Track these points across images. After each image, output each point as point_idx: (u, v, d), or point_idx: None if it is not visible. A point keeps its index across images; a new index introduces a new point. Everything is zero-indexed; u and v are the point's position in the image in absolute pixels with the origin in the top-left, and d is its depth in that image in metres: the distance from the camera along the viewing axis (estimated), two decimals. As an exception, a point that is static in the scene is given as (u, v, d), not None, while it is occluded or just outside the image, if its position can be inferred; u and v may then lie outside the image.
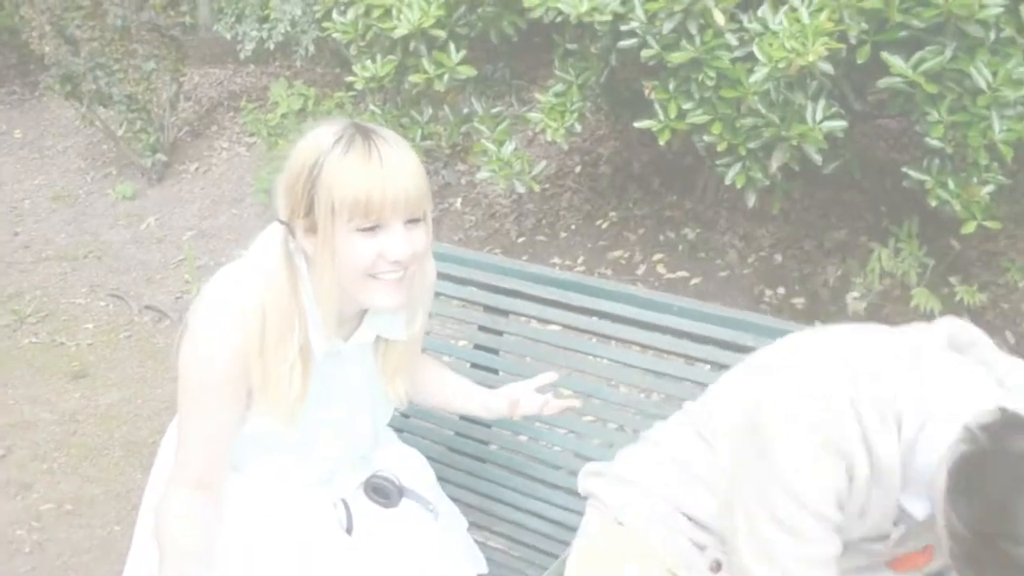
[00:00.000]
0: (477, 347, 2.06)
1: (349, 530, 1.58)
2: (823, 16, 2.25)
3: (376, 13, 3.04)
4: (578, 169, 4.06)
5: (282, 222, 1.41)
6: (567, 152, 3.99)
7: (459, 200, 4.22)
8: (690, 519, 1.40)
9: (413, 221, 1.38)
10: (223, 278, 1.45)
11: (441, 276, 2.09)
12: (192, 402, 1.45)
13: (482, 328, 2.06)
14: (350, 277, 1.38)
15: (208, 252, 4.45)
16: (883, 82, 2.33)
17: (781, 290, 3.24)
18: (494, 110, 3.25)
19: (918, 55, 2.29)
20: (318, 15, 3.85)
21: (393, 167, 1.34)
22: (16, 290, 4.27)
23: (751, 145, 2.53)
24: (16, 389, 3.49)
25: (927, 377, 1.18)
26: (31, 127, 6.03)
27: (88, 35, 4.86)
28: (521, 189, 3.06)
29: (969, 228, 2.41)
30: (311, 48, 4.41)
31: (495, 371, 2.03)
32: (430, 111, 3.35)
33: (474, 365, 2.05)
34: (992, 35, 2.26)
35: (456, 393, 1.80)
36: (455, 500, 1.81)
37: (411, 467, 1.76)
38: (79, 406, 3.37)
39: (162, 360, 3.63)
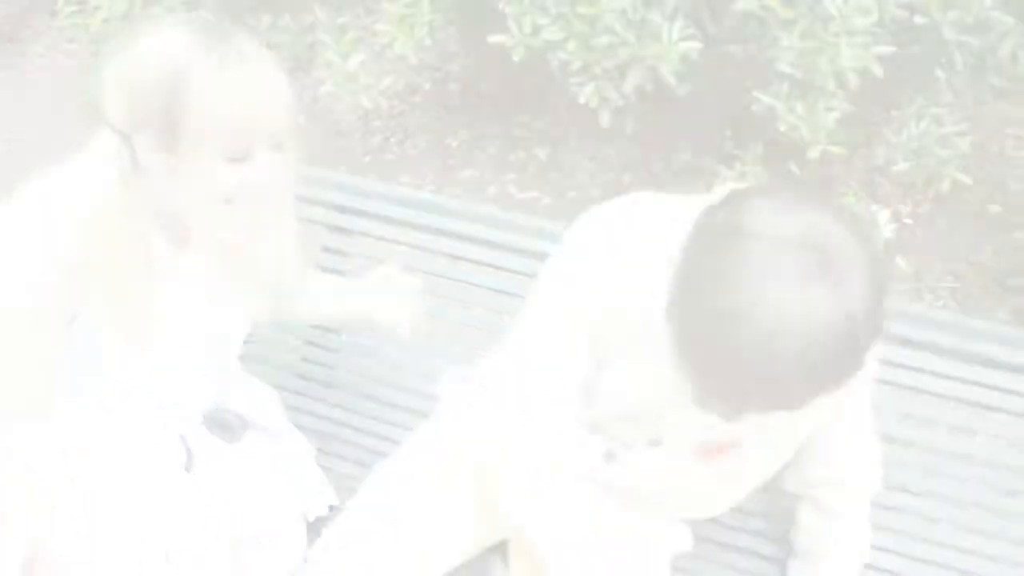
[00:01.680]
0: (322, 269, 1.98)
1: (188, 468, 1.48)
2: (680, -68, 2.21)
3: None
4: (427, 86, 3.93)
5: (118, 131, 1.25)
6: (416, 68, 3.86)
7: (302, 118, 4.02)
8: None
9: (276, 146, 1.26)
10: (44, 189, 1.29)
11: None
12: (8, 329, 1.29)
13: (326, 249, 1.97)
14: (203, 203, 1.26)
15: (21, 168, 4.08)
16: (740, 5, 2.34)
17: (630, 211, 3.26)
18: (339, 20, 3.08)
19: (773, -22, 2.30)
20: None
21: (271, 92, 1.22)
22: None
23: (606, 64, 2.50)
24: None
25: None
26: None
27: None
28: (367, 104, 2.93)
29: (814, 153, 2.47)
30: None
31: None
32: (269, 19, 3.15)
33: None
34: (842, -39, 2.29)
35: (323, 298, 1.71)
36: (302, 428, 1.74)
37: (256, 398, 1.66)
38: None
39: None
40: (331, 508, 1.66)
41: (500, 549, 1.56)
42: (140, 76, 1.21)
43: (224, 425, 1.53)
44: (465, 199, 3.25)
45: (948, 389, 1.66)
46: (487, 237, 1.85)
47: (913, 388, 1.67)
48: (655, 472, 1.39)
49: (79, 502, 1.40)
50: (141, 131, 1.23)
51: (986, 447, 1.70)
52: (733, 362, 1.00)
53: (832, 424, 1.37)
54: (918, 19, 2.39)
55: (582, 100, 2.63)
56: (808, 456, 1.41)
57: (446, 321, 1.89)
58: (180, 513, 1.44)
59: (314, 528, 1.62)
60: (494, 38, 2.65)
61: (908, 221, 3.14)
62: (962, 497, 1.68)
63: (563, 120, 3.53)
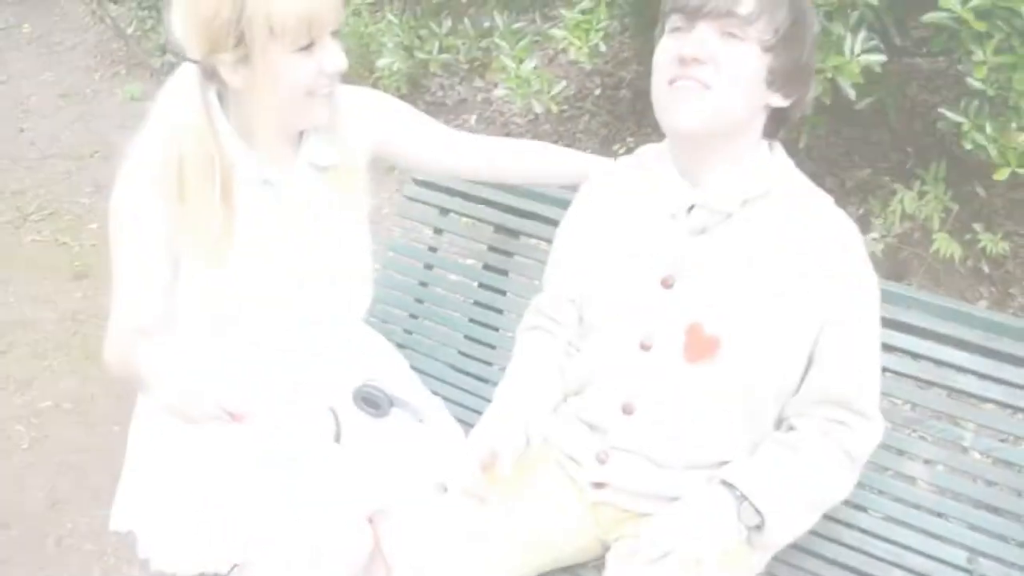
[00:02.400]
0: (486, 267, 2.02)
1: (338, 439, 1.57)
2: (870, -59, 2.13)
3: (399, -84, 2.92)
4: (598, 92, 3.95)
5: (195, 62, 1.37)
6: (588, 73, 3.88)
7: (473, 117, 4.12)
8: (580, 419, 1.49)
9: (334, 33, 1.39)
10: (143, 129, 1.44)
11: (452, 192, 2.03)
12: (120, 245, 1.45)
13: (492, 249, 2.01)
14: (291, 99, 1.39)
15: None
16: (929, 17, 2.22)
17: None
18: (516, 25, 3.14)
19: (967, -11, 2.17)
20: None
21: None
22: (20, 187, 4.21)
23: (782, 75, 2.43)
24: (17, 287, 3.47)
25: None
26: (40, 21, 5.90)
27: (100, -73, 4.72)
28: (539, 109, 2.96)
29: (1002, 175, 2.32)
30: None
31: (503, 292, 2.00)
32: (449, 23, 3.24)
33: (482, 285, 2.02)
34: (1046, -29, 2.14)
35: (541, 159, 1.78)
36: (460, 421, 1.78)
37: (404, 377, 1.74)
38: (80, 306, 3.34)
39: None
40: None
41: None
42: (203, 3, 1.33)
43: (371, 400, 1.61)
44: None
45: None
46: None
47: None
48: (648, 387, 1.40)
49: (229, 471, 1.50)
50: (218, 54, 1.34)
51: None
52: None
53: (835, 335, 1.34)
54: None
55: (755, 111, 2.57)
56: (815, 368, 1.37)
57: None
58: (328, 481, 1.51)
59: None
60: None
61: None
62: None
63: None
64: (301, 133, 1.51)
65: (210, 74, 1.39)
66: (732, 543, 1.33)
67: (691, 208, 1.38)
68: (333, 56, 1.39)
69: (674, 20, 1.32)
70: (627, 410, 1.42)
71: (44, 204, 4.06)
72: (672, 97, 1.31)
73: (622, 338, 1.42)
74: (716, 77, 1.27)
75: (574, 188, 1.64)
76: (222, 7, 1.31)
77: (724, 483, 1.35)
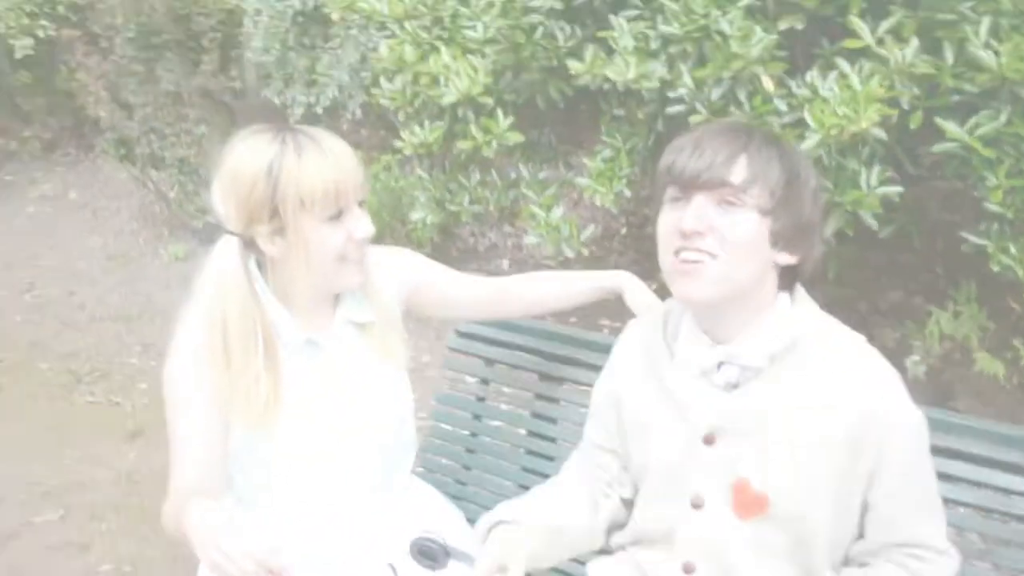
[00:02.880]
0: (534, 415, 2.07)
1: (398, 593, 1.59)
2: (874, 83, 2.26)
3: (424, 80, 3.10)
4: (623, 231, 4.07)
5: (234, 234, 1.50)
6: (613, 215, 4.00)
7: (505, 262, 4.25)
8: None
9: (361, 203, 1.53)
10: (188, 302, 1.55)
11: (496, 343, 2.10)
12: (173, 415, 1.54)
13: (538, 396, 2.07)
14: (324, 265, 1.51)
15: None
16: (938, 148, 2.33)
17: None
18: (541, 175, 3.29)
19: (973, 120, 2.28)
20: (367, 82, 3.93)
21: (342, 157, 1.49)
22: (72, 349, 4.36)
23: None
24: (73, 449, 3.55)
25: None
26: (85, 188, 6.19)
27: (142, 100, 5.01)
28: (570, 254, 3.08)
29: (1032, 293, 2.37)
30: (358, 112, 4.50)
31: (553, 439, 2.03)
32: (478, 176, 3.40)
33: (531, 433, 2.06)
34: (1048, 99, 2.25)
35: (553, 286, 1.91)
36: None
37: (457, 527, 1.78)
38: (135, 466, 3.41)
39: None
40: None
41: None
42: (240, 181, 1.47)
43: (427, 553, 1.64)
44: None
45: None
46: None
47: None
48: (704, 546, 1.41)
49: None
50: (256, 226, 1.48)
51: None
52: None
53: (888, 480, 1.35)
54: None
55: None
56: (873, 514, 1.38)
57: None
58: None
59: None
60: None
61: None
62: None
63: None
64: (337, 294, 1.62)
65: (249, 244, 1.51)
66: None
67: (720, 365, 1.41)
68: (360, 224, 1.52)
69: (671, 192, 1.36)
70: (688, 569, 1.44)
71: (96, 366, 4.19)
72: (681, 270, 1.34)
73: (673, 497, 1.44)
74: (720, 246, 1.31)
75: (614, 332, 1.69)
76: (257, 185, 1.45)
77: None
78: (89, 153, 6.47)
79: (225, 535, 1.33)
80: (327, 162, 1.47)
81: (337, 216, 1.49)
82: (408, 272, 1.74)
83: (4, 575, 2.85)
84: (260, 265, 1.55)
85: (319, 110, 4.61)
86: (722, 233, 1.31)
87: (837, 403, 1.35)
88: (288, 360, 1.55)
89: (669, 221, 1.36)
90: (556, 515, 1.50)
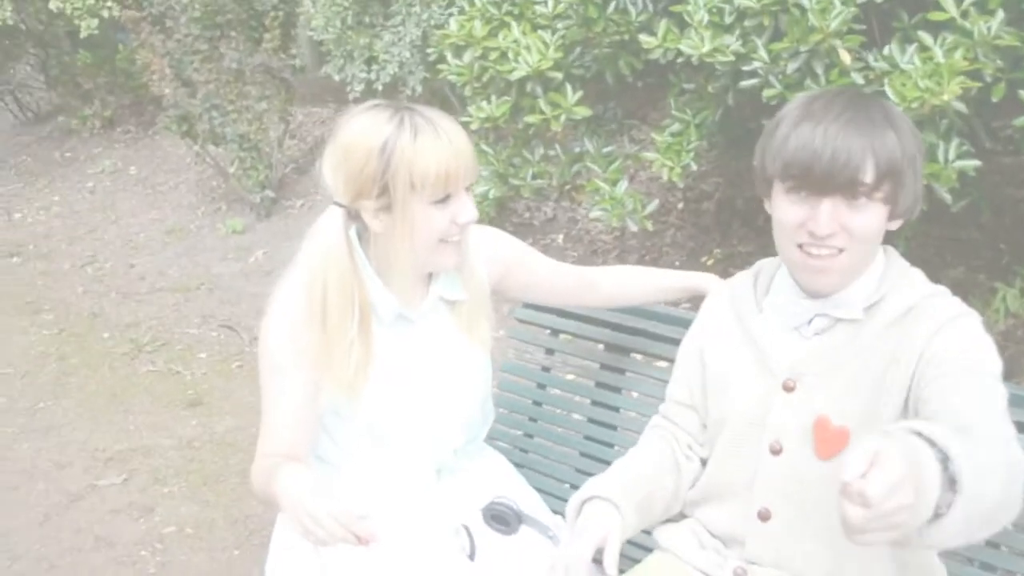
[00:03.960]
0: (599, 385, 2.07)
1: (472, 556, 1.62)
2: (958, 55, 2.22)
3: (493, 56, 3.11)
4: (680, 206, 4.05)
5: (342, 205, 1.51)
6: (669, 189, 3.99)
7: (561, 236, 4.25)
8: (711, 534, 1.52)
9: (468, 187, 1.52)
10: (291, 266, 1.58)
11: (563, 314, 2.10)
12: (267, 377, 1.55)
13: (604, 367, 2.07)
14: (425, 245, 1.51)
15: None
16: (1020, 121, 2.28)
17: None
18: (606, 149, 3.28)
19: (1056, 93, 2.24)
20: (432, 58, 3.94)
21: (456, 142, 1.48)
22: (133, 319, 4.44)
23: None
24: (136, 416, 3.62)
25: None
26: (145, 164, 6.30)
27: (205, 78, 5.07)
28: (635, 228, 3.07)
29: (1105, 269, 2.33)
30: (418, 88, 4.52)
31: (616, 409, 2.03)
32: (541, 150, 3.40)
33: (595, 403, 2.06)
34: None
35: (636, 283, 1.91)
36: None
37: (531, 495, 1.79)
38: (196, 433, 3.47)
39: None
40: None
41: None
42: (353, 155, 1.47)
43: (500, 518, 1.66)
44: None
45: None
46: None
47: None
48: (784, 488, 1.41)
49: None
50: (363, 200, 1.48)
51: None
52: None
53: (946, 373, 1.29)
54: None
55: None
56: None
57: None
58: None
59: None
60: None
61: None
62: None
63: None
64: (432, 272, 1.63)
65: (353, 216, 1.52)
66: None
67: (812, 319, 1.43)
68: (465, 209, 1.51)
69: (792, 184, 1.35)
70: (763, 516, 1.44)
71: (156, 336, 4.27)
72: (807, 265, 1.38)
73: (751, 445, 1.46)
74: (848, 240, 1.34)
75: (678, 304, 1.69)
76: (370, 161, 1.45)
77: (921, 435, 1.03)
78: (148, 130, 6.58)
79: (314, 498, 1.34)
80: (441, 146, 1.46)
81: (444, 200, 1.49)
82: (502, 253, 1.75)
83: (70, 535, 2.92)
84: (361, 238, 1.55)
85: (379, 87, 4.63)
86: (852, 230, 1.33)
87: (918, 343, 1.34)
88: (380, 332, 1.56)
89: (793, 216, 1.36)
90: (643, 484, 1.51)
